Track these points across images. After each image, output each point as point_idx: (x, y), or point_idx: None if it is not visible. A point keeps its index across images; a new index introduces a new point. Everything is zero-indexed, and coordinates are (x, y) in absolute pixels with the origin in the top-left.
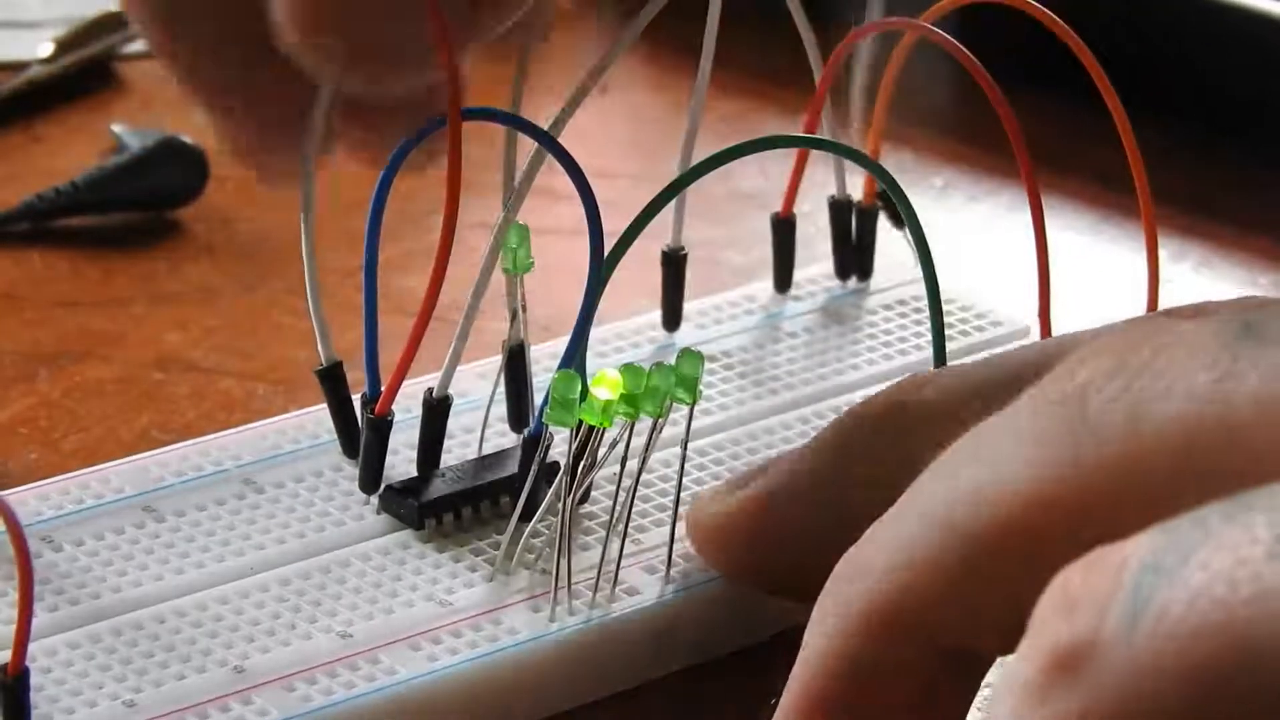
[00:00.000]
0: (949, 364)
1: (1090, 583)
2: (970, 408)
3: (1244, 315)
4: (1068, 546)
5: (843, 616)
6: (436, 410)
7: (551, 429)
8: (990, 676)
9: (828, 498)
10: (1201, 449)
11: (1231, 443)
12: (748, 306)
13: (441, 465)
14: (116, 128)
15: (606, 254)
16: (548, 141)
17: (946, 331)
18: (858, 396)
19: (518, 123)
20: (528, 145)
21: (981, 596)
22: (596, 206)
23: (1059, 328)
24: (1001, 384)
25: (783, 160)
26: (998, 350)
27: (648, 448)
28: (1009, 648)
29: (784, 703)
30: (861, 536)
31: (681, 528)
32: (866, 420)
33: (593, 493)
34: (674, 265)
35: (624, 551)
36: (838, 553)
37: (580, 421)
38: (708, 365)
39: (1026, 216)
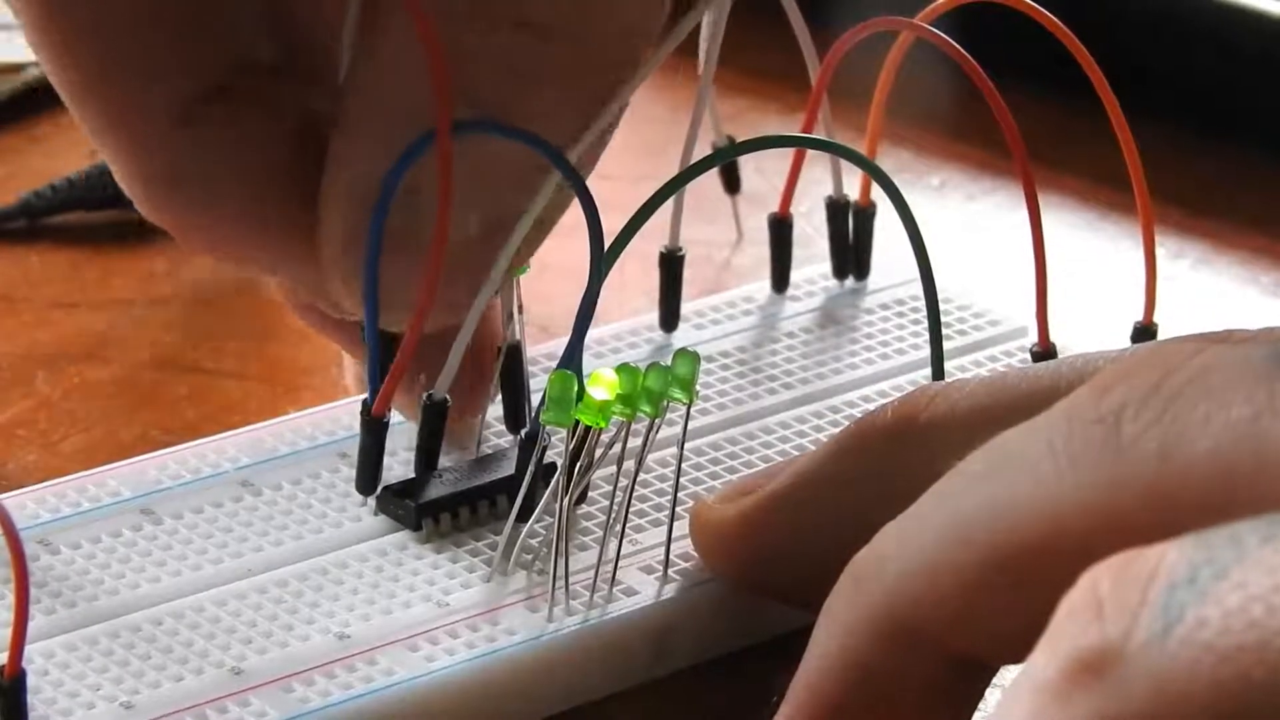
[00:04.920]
0: (949, 369)
1: (1120, 588)
2: (984, 423)
3: (1278, 347)
4: (1089, 565)
5: (851, 619)
6: (435, 412)
7: (548, 429)
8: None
9: (837, 506)
10: (1235, 484)
11: (1266, 480)
12: (745, 307)
13: (439, 466)
14: None
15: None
16: (544, 148)
17: (944, 331)
18: (855, 396)
19: (513, 134)
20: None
21: (995, 609)
22: (596, 210)
23: (1056, 327)
24: (1017, 401)
25: (780, 160)
26: (995, 349)
27: (644, 448)
28: (1019, 658)
29: (787, 703)
30: (874, 538)
31: (679, 527)
32: (877, 430)
33: (590, 493)
34: (671, 265)
35: (621, 552)
36: (844, 563)
37: (577, 422)
38: (705, 365)
39: (1023, 215)
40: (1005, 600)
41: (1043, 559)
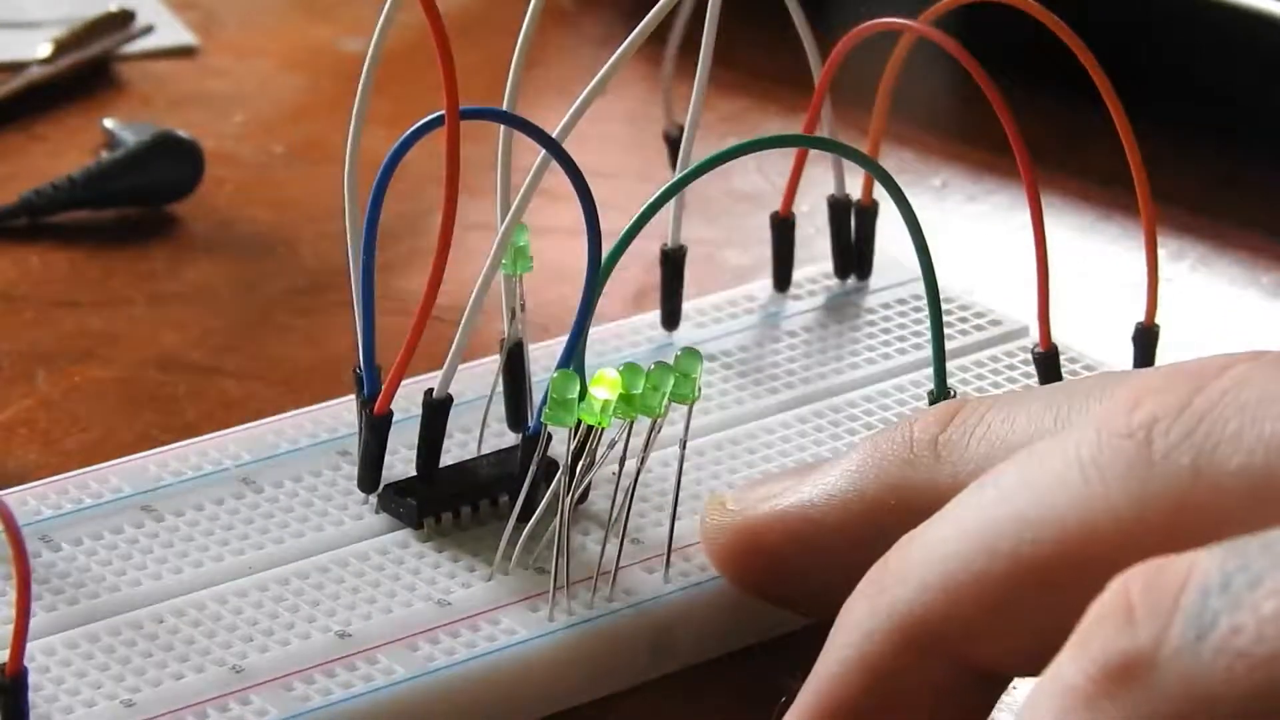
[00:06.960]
0: (951, 369)
1: (1152, 594)
2: (1009, 440)
3: None
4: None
5: (870, 625)
6: (437, 410)
7: (550, 428)
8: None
9: (852, 523)
10: (1269, 498)
11: None
12: (747, 306)
13: (440, 464)
14: (109, 123)
15: (606, 253)
16: (546, 141)
17: (945, 330)
18: (857, 395)
19: (518, 123)
20: (523, 143)
21: (1018, 621)
22: (594, 206)
23: (1058, 327)
24: (1037, 419)
25: (782, 160)
26: (997, 349)
27: (646, 447)
28: (1036, 670)
29: (801, 704)
30: (895, 545)
31: (680, 527)
32: (896, 449)
33: (591, 492)
34: (673, 264)
35: (622, 551)
36: (854, 577)
37: (579, 421)
38: (707, 364)
39: (1025, 216)
40: (1027, 612)
41: (1068, 571)
